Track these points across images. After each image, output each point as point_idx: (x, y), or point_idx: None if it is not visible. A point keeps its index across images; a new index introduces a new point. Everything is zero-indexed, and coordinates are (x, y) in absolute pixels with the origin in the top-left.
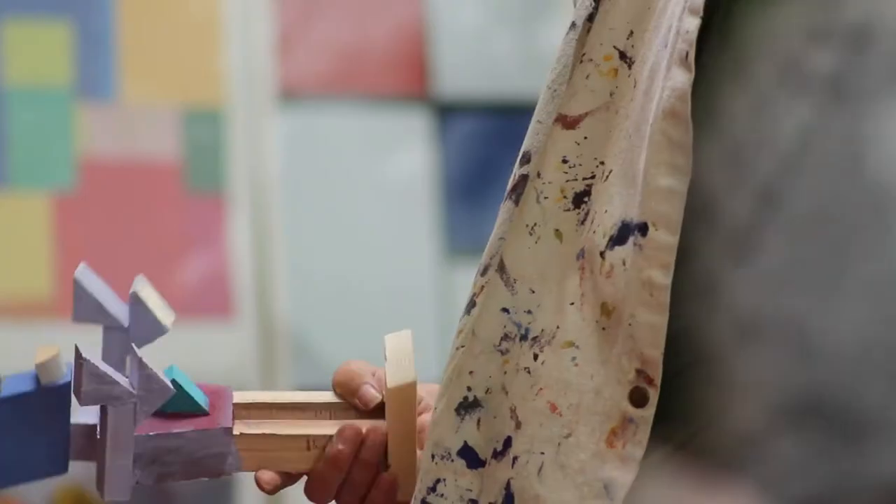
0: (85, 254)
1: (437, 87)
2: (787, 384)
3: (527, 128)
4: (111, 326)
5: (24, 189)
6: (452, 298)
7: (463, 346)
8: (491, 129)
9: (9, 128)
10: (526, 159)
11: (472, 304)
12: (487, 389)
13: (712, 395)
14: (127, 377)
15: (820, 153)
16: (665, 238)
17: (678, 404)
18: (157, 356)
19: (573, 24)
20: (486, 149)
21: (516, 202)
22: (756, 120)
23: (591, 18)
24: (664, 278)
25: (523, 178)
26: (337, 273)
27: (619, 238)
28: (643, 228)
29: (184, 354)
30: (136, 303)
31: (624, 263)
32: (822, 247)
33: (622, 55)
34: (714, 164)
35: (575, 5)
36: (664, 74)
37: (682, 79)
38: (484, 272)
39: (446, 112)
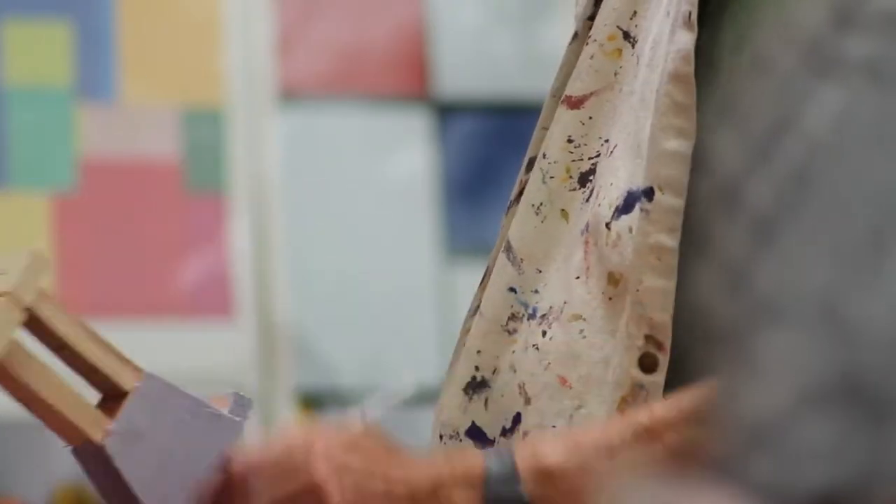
0: (85, 254)
1: (437, 87)
2: (817, 365)
3: (527, 127)
4: None
5: (24, 189)
6: (452, 298)
7: (469, 340)
8: (491, 129)
9: (9, 128)
10: (531, 166)
11: (478, 307)
12: (495, 370)
13: (729, 376)
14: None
15: (856, 135)
16: (671, 201)
17: (690, 384)
18: (157, 356)
19: (575, 34)
20: (486, 149)
21: None
22: (780, 106)
23: (592, 18)
24: (672, 241)
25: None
26: (337, 273)
27: (626, 207)
28: (649, 193)
29: (184, 354)
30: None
31: (630, 231)
32: (860, 226)
33: (626, 35)
34: (735, 151)
35: (575, 12)
36: (668, 39)
37: (685, 39)
38: (490, 276)
39: (446, 112)
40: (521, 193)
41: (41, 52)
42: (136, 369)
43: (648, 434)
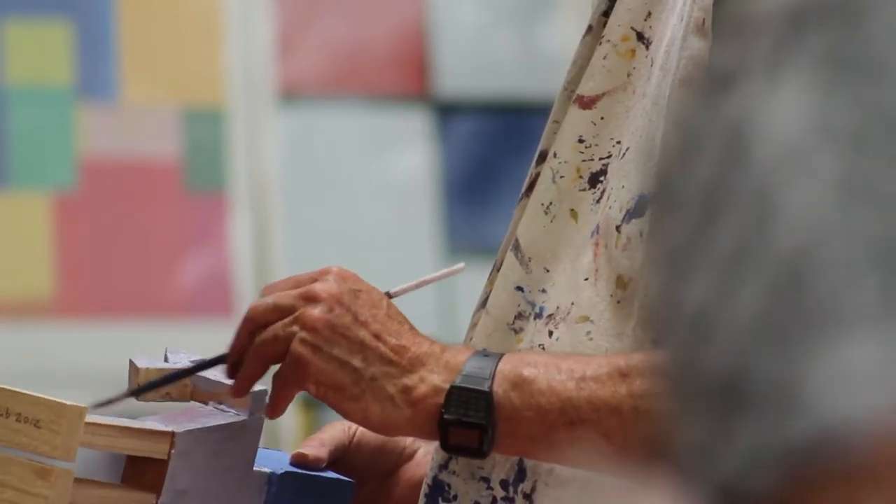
0: (85, 254)
1: (437, 86)
2: (692, 369)
3: (527, 127)
4: None
5: (25, 189)
6: (452, 298)
7: (475, 337)
8: (491, 129)
9: (9, 128)
10: (542, 158)
11: (487, 299)
12: None
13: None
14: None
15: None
16: None
17: None
18: (157, 356)
19: (589, 27)
20: (485, 148)
21: None
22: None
23: (606, 14)
24: None
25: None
26: None
27: (637, 210)
28: None
29: None
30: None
31: (641, 235)
32: (728, 230)
33: (640, 36)
34: (674, 149)
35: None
36: (680, 45)
37: (698, 46)
38: (499, 269)
39: (446, 112)
40: (531, 186)
41: (41, 52)
42: (164, 435)
43: (620, 375)
